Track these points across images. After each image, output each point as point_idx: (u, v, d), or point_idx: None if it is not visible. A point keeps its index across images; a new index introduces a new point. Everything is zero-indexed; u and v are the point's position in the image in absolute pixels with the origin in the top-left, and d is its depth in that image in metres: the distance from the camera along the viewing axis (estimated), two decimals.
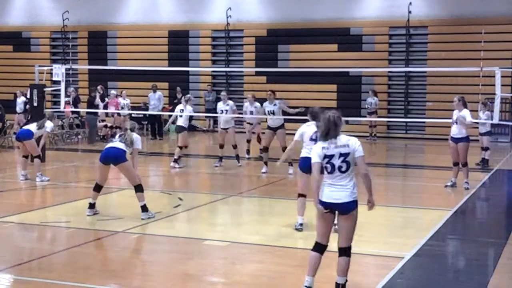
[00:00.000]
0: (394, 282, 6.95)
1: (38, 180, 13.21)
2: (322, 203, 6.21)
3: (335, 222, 6.51)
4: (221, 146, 15.86)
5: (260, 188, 13.37)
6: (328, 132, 6.23)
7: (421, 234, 9.03)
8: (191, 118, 15.68)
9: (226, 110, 15.88)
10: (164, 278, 7.08)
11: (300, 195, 9.12)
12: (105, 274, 7.30)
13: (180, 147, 15.68)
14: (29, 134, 13.36)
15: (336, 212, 6.26)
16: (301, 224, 9.11)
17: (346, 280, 6.32)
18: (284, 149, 14.71)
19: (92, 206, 10.08)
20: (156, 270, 7.37)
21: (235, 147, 15.93)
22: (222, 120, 16.07)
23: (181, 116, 15.60)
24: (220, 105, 16.07)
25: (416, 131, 24.24)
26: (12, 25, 29.59)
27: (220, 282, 7.17)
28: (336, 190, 6.19)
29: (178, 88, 25.41)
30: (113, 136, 22.01)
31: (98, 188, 10.06)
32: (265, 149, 14.89)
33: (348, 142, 6.24)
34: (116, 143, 9.89)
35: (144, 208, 9.88)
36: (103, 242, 8.85)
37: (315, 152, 6.29)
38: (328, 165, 6.22)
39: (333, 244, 6.40)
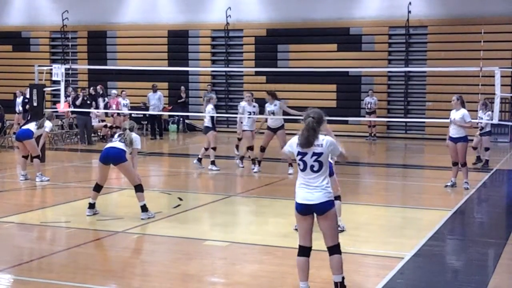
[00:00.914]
0: (394, 282, 6.95)
1: (38, 180, 13.21)
2: (297, 205, 6.26)
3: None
4: (252, 148, 15.42)
5: (260, 188, 13.37)
6: (308, 141, 6.20)
7: (421, 234, 9.03)
8: (212, 118, 15.33)
9: (254, 112, 15.37)
10: (164, 278, 7.08)
11: None
12: (105, 274, 7.30)
13: (214, 148, 15.28)
14: (29, 134, 13.36)
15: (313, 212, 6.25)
16: None
17: (343, 277, 6.30)
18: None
19: (92, 206, 10.08)
20: (156, 270, 7.37)
21: (252, 148, 15.52)
22: (250, 122, 15.41)
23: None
24: (247, 107, 15.49)
25: (415, 131, 24.24)
26: (11, 25, 29.57)
27: (220, 283, 7.17)
28: (310, 191, 6.21)
29: (182, 87, 25.45)
30: (112, 136, 22.04)
31: (98, 188, 10.06)
32: (262, 149, 14.85)
33: (322, 142, 6.22)
34: (116, 143, 9.89)
35: (144, 208, 9.88)
36: (103, 242, 8.85)
37: (290, 142, 6.39)
38: (301, 162, 6.27)
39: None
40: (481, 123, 15.90)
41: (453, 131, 12.70)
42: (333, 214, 6.24)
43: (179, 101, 25.13)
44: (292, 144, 6.37)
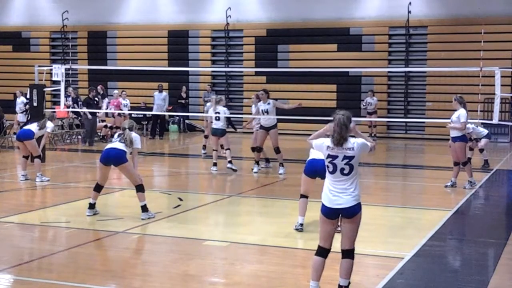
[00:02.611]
0: (394, 282, 6.95)
1: (38, 180, 13.21)
2: (325, 208, 6.15)
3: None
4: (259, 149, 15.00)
5: (259, 188, 13.38)
6: (341, 136, 6.08)
7: (421, 234, 9.03)
8: (228, 118, 15.15)
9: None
10: (164, 278, 7.08)
11: (303, 196, 9.13)
12: (105, 274, 7.30)
13: (229, 149, 15.01)
14: (29, 134, 13.36)
15: (340, 215, 6.18)
16: (301, 224, 9.11)
17: (349, 283, 6.27)
18: (276, 149, 14.68)
19: (92, 206, 10.08)
20: (156, 271, 7.37)
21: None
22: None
23: (217, 119, 14.99)
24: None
25: (416, 131, 24.25)
26: (12, 25, 29.58)
27: (220, 283, 7.17)
28: (338, 196, 6.09)
29: (184, 87, 25.43)
30: (112, 136, 22.00)
31: (98, 188, 10.06)
32: (259, 149, 14.82)
33: (354, 145, 6.11)
34: (116, 144, 9.88)
35: (144, 208, 9.88)
36: (103, 242, 8.84)
37: (319, 144, 6.23)
38: (330, 165, 6.13)
39: (336, 245, 6.37)
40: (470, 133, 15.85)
41: (452, 131, 12.73)
42: (359, 217, 6.16)
43: (179, 101, 25.14)
44: (322, 147, 6.21)
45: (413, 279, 7.23)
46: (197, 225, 9.98)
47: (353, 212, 6.10)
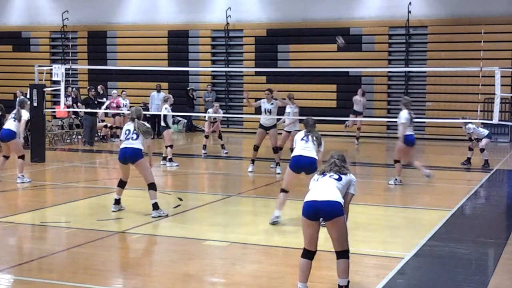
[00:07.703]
0: (394, 282, 6.95)
1: (19, 182, 13.09)
2: (304, 206, 6.27)
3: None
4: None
5: (260, 188, 13.37)
6: (327, 171, 6.48)
7: (421, 234, 9.03)
8: (165, 117, 15.67)
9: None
10: (164, 278, 7.08)
11: (283, 191, 9.44)
12: (105, 274, 7.30)
13: (171, 146, 15.76)
14: (11, 134, 13.16)
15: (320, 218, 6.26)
16: (277, 217, 9.48)
17: (349, 281, 6.29)
18: (274, 148, 14.69)
19: (117, 202, 10.30)
20: (156, 271, 7.37)
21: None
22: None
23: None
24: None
25: (416, 131, 24.12)
26: (11, 25, 29.59)
27: (220, 283, 7.17)
28: (319, 192, 6.26)
29: (192, 88, 25.44)
30: (112, 136, 21.98)
31: (122, 183, 10.30)
32: (256, 148, 14.78)
33: (343, 176, 6.43)
34: (130, 142, 10.04)
35: (155, 206, 10.01)
36: (103, 242, 8.83)
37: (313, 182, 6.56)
38: (320, 175, 6.50)
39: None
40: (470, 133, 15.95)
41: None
42: (342, 222, 6.18)
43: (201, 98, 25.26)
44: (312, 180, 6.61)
45: (413, 279, 7.23)
46: (197, 225, 9.97)
47: (331, 208, 6.14)
